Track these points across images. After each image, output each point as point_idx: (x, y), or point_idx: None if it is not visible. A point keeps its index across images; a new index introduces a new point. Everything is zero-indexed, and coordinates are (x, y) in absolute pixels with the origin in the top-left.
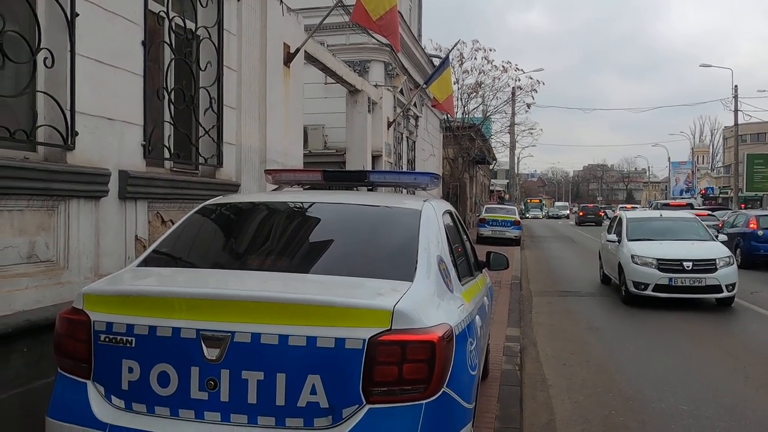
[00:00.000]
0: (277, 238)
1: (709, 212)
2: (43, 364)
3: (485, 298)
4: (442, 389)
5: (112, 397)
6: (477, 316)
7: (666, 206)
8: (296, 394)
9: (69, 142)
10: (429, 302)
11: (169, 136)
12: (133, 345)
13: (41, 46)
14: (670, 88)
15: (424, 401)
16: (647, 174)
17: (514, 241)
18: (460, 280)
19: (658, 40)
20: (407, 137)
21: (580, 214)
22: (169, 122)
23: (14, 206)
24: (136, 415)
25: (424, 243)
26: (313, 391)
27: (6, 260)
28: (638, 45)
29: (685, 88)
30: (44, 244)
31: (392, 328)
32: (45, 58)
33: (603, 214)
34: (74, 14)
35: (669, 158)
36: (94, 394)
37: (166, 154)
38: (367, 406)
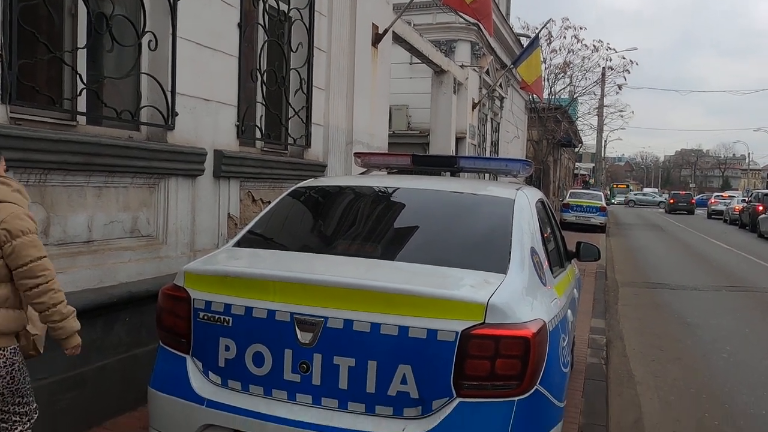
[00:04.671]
0: (368, 223)
1: None
2: (141, 333)
3: (575, 290)
4: (535, 387)
5: (210, 372)
6: (569, 311)
7: (767, 196)
8: (387, 382)
9: (169, 122)
10: (523, 296)
11: (261, 116)
12: (230, 324)
13: (146, 30)
14: None
15: (516, 398)
16: (747, 161)
17: (599, 228)
18: (552, 273)
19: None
20: (491, 119)
21: (671, 201)
22: (261, 103)
23: (119, 183)
24: (232, 392)
25: (518, 234)
26: (404, 381)
27: (112, 234)
28: (741, 23)
29: None
30: (146, 220)
31: (486, 321)
32: (149, 41)
33: (695, 202)
34: None
35: None
36: (193, 369)
37: (258, 135)
38: (458, 399)
